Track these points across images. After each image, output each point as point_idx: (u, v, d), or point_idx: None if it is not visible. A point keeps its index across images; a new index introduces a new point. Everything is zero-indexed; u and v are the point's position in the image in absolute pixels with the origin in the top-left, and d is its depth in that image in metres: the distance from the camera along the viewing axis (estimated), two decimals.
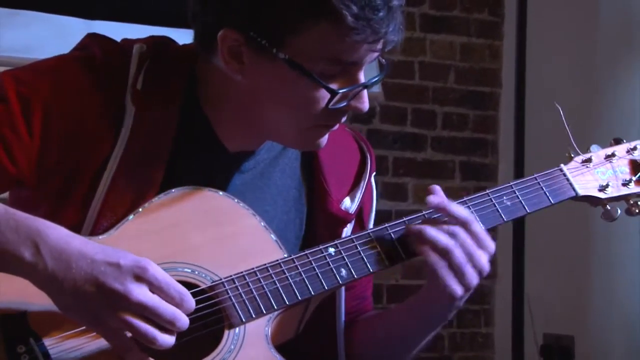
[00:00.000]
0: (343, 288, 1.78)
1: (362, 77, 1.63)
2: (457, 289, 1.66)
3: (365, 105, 1.64)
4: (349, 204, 1.80)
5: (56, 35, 3.18)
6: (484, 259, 1.67)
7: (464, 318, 4.35)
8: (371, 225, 1.85)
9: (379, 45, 1.60)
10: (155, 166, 1.66)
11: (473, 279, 1.66)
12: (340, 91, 1.60)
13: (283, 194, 1.78)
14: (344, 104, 1.62)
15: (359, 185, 1.83)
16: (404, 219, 1.72)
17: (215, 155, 1.72)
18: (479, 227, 1.68)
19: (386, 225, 1.71)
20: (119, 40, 1.74)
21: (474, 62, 4.45)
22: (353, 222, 1.80)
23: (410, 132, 4.31)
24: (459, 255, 1.65)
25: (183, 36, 1.78)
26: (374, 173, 1.86)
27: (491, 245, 1.69)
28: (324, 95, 1.61)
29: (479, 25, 4.46)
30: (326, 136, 1.69)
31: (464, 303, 1.78)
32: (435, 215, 1.71)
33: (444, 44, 4.39)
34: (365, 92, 1.64)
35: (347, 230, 1.79)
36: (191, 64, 1.71)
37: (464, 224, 1.67)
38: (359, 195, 1.81)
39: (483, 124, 4.46)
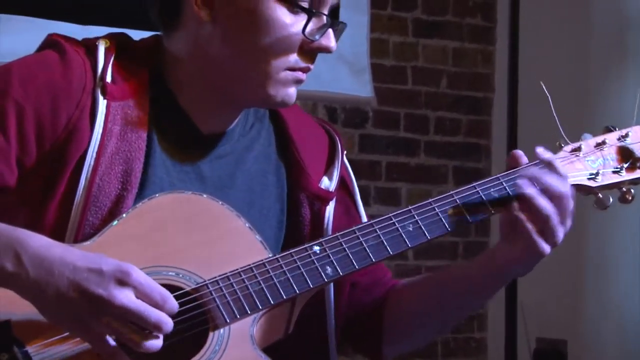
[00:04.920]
0: (332, 288, 1.80)
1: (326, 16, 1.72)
2: (548, 249, 1.73)
3: (333, 44, 1.71)
4: (327, 183, 1.83)
5: None
6: (570, 220, 1.74)
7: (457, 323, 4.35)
8: (359, 199, 1.89)
9: None
10: (134, 154, 1.67)
11: (560, 238, 1.74)
12: (316, 12, 1.68)
13: (258, 179, 1.80)
14: (316, 38, 1.69)
15: (333, 164, 1.86)
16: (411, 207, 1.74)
17: (190, 138, 1.74)
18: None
19: (372, 222, 1.72)
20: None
21: (466, 67, 4.46)
22: (334, 200, 1.83)
23: (403, 137, 4.32)
24: (556, 220, 1.71)
25: None
26: (345, 152, 1.90)
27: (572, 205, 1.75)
28: (298, 25, 1.67)
29: (472, 30, 4.47)
30: (295, 91, 1.73)
31: None
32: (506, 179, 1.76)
33: (436, 49, 4.40)
34: (332, 31, 1.71)
35: (330, 209, 1.81)
36: (154, 55, 1.75)
37: (565, 195, 1.72)
38: (336, 174, 1.84)
39: (476, 129, 4.47)
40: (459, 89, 4.44)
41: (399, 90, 4.31)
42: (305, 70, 1.72)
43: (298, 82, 1.73)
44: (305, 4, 1.67)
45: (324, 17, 1.70)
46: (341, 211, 1.85)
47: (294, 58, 1.69)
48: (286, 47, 1.68)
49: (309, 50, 1.70)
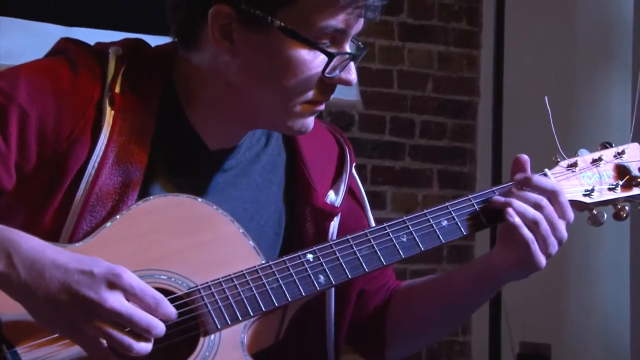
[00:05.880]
0: (332, 298, 1.79)
1: (348, 49, 1.67)
2: (542, 260, 1.71)
3: (354, 76, 1.68)
4: (333, 198, 1.81)
5: (36, 42, 3.19)
6: (563, 228, 1.73)
7: None
8: (369, 213, 1.88)
9: (364, 11, 1.64)
10: (134, 167, 1.66)
11: (555, 248, 1.71)
12: (337, 53, 1.63)
13: (265, 190, 1.78)
14: (336, 73, 1.65)
15: (340, 177, 1.84)
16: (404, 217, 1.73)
17: (196, 154, 1.72)
18: (564, 198, 1.73)
19: (366, 231, 1.71)
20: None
21: (452, 71, 4.46)
22: (339, 215, 1.81)
23: (388, 140, 4.32)
24: (545, 227, 1.70)
25: (160, 43, 1.78)
26: (354, 164, 1.87)
27: (571, 214, 1.74)
28: (318, 62, 1.63)
29: (457, 35, 4.48)
30: (313, 119, 1.71)
31: None
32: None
33: (422, 53, 4.41)
34: (353, 64, 1.67)
35: (334, 224, 1.80)
36: (168, 65, 1.73)
37: (553, 194, 1.72)
38: (342, 188, 1.82)
39: (461, 133, 4.48)
40: (444, 93, 4.45)
41: (384, 94, 4.31)
42: (323, 102, 1.69)
43: (315, 112, 1.70)
44: (325, 43, 1.64)
45: (345, 47, 1.66)
46: (348, 214, 1.83)
47: (312, 93, 1.66)
48: (306, 86, 1.65)
49: (329, 84, 1.67)
